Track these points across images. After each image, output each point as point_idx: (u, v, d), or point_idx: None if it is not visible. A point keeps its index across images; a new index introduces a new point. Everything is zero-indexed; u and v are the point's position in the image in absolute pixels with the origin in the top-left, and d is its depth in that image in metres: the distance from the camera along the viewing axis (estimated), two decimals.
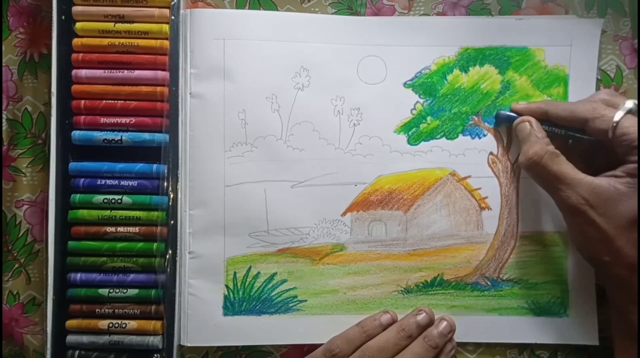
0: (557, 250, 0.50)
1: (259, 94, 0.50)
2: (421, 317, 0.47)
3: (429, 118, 0.51)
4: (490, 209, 0.51)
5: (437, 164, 0.51)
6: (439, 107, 0.51)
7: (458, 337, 0.49)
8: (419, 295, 0.50)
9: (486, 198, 0.51)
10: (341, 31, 0.50)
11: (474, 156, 0.51)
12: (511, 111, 0.50)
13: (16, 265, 0.51)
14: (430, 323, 0.47)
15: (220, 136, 0.50)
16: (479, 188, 0.51)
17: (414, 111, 0.51)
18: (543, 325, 0.50)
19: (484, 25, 0.51)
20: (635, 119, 0.43)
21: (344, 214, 0.50)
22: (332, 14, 0.51)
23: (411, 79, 0.51)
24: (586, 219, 0.44)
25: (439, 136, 0.51)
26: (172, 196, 0.49)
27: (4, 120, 0.51)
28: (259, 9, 0.51)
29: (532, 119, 0.48)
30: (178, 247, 0.49)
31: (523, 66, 0.51)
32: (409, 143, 0.51)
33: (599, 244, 0.44)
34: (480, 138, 0.51)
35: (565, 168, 0.45)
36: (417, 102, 0.51)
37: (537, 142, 0.46)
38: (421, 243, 0.51)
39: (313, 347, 0.50)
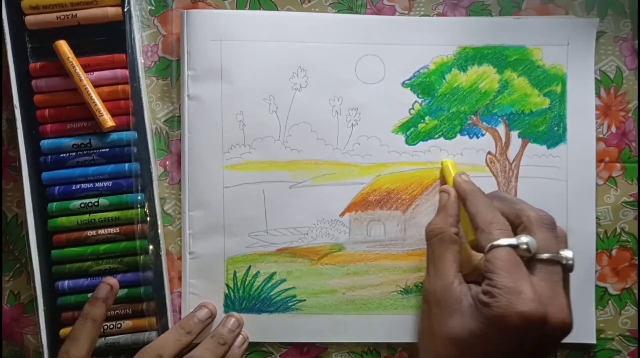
0: None
1: (256, 95, 0.50)
2: (201, 313, 0.49)
3: (427, 118, 0.51)
4: None
5: (435, 164, 0.51)
6: (437, 107, 0.51)
7: None
8: (418, 295, 0.50)
9: None
10: (338, 30, 0.50)
11: (472, 156, 0.51)
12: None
13: (17, 265, 0.51)
14: (211, 317, 0.49)
15: (218, 138, 0.50)
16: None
17: (412, 111, 0.51)
18: None
19: (481, 25, 0.51)
20: (511, 253, 0.41)
21: (342, 214, 0.50)
22: (332, 14, 0.51)
23: (409, 79, 0.51)
24: (427, 308, 0.44)
25: (437, 136, 0.51)
26: (148, 191, 0.49)
27: (3, 120, 0.51)
28: (260, 10, 0.51)
29: (453, 193, 0.47)
30: (161, 243, 0.50)
31: (521, 64, 0.50)
32: (407, 142, 0.51)
33: (423, 336, 0.45)
34: (478, 137, 0.51)
35: (447, 256, 0.44)
36: (416, 101, 0.51)
37: (443, 218, 0.46)
38: (420, 242, 0.50)
39: (312, 346, 0.51)
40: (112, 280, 0.47)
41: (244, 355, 0.50)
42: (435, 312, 0.43)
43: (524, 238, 0.41)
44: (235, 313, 0.50)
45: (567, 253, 0.42)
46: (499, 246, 0.41)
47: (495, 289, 0.39)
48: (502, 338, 0.39)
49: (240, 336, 0.49)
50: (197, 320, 0.48)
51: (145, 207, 0.49)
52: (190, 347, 0.48)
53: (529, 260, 0.42)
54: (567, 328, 0.40)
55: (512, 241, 0.41)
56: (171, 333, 0.47)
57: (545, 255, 0.41)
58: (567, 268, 0.42)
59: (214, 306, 0.50)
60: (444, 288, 0.43)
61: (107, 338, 0.49)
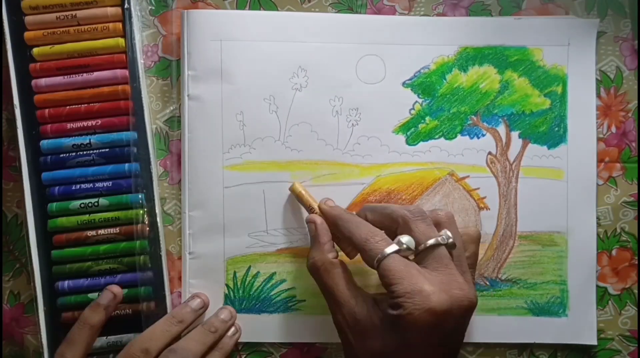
0: (556, 250, 0.50)
1: (256, 95, 0.50)
2: (194, 303, 0.49)
3: (427, 118, 0.51)
4: (489, 209, 0.51)
5: (435, 164, 0.51)
6: (437, 107, 0.51)
7: None
8: None
9: (484, 198, 0.51)
10: (339, 30, 0.50)
11: (473, 156, 0.51)
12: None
13: (17, 265, 0.51)
14: (204, 307, 0.49)
15: (218, 138, 0.50)
16: (478, 188, 0.51)
17: (413, 111, 0.51)
18: (542, 325, 0.50)
19: (482, 25, 0.51)
20: (397, 259, 0.41)
21: None
22: (333, 14, 0.51)
23: (410, 79, 0.51)
24: (345, 338, 0.43)
25: (437, 136, 0.51)
26: (147, 191, 0.50)
27: (3, 120, 0.51)
28: (260, 10, 0.51)
29: (319, 221, 0.47)
30: (161, 243, 0.50)
31: (521, 65, 0.50)
32: (407, 143, 0.51)
33: None
34: (479, 137, 0.51)
35: (337, 283, 0.44)
36: (416, 102, 0.51)
37: (318, 248, 0.45)
38: None
39: (312, 346, 0.51)
40: (117, 289, 0.47)
41: (236, 347, 0.50)
42: (352, 339, 0.43)
43: (403, 239, 0.42)
44: (229, 306, 0.50)
45: (443, 234, 0.42)
46: (383, 257, 0.41)
47: (399, 299, 0.39)
48: (423, 338, 0.40)
49: (233, 327, 0.49)
50: (189, 309, 0.48)
51: (145, 207, 0.49)
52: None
53: (417, 254, 0.42)
54: (472, 303, 0.41)
55: (393, 247, 0.41)
56: (160, 324, 0.47)
57: (426, 244, 0.42)
58: (450, 246, 0.42)
59: (206, 296, 0.50)
60: (351, 314, 0.43)
61: (108, 337, 0.49)
